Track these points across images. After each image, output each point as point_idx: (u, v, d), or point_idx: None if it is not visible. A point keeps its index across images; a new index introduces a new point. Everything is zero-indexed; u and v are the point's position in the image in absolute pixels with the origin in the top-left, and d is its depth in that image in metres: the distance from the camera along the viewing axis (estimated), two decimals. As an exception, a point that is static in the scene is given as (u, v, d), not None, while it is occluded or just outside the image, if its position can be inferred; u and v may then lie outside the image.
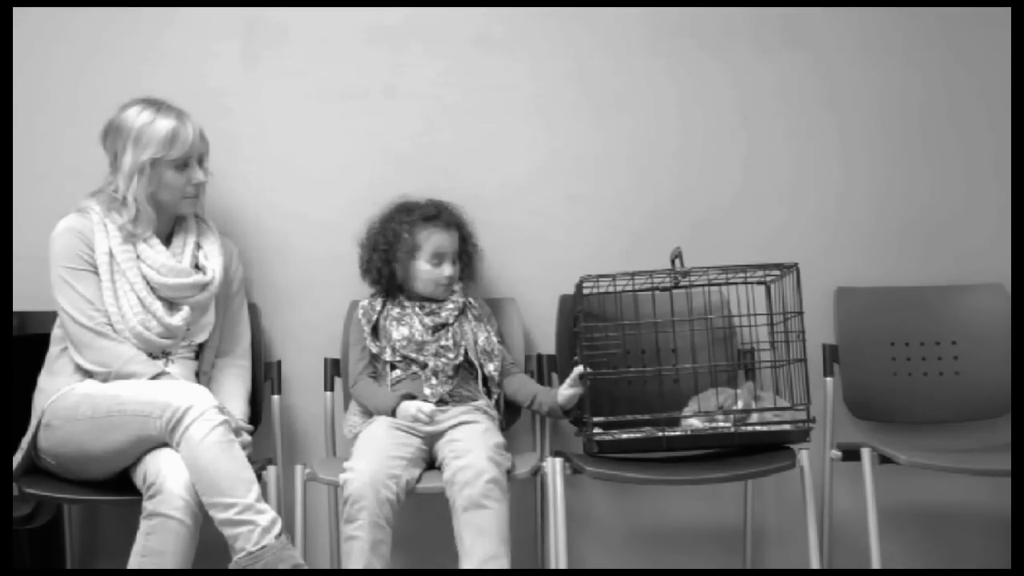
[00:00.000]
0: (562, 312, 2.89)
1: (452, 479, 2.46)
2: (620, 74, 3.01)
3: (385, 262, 2.78)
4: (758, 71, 3.03)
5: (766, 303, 2.72)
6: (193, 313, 2.62)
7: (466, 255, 2.83)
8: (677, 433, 2.61)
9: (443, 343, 2.73)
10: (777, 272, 2.67)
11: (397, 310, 2.78)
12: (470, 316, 2.80)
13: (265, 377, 2.85)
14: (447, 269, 2.77)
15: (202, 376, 2.67)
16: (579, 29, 3.01)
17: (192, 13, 2.94)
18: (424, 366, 2.71)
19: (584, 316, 2.68)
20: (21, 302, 2.71)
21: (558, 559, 2.57)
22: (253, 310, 2.86)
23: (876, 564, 2.64)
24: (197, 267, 2.66)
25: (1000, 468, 2.49)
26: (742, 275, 2.71)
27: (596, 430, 2.60)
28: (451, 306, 2.78)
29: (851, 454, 2.69)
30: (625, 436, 2.60)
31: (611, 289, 2.70)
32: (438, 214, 2.80)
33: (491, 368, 2.75)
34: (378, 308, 2.79)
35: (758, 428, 2.60)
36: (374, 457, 2.50)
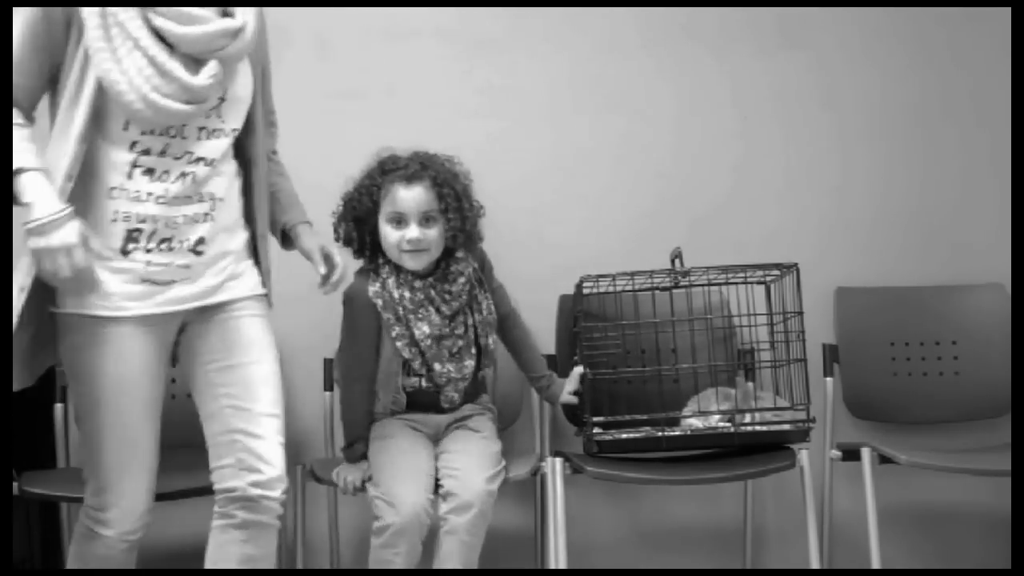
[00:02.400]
0: (562, 312, 2.89)
1: (445, 493, 2.40)
2: (618, 74, 3.02)
3: (356, 227, 2.50)
4: (756, 71, 3.03)
5: (766, 303, 2.72)
6: (223, 69, 2.04)
7: (454, 214, 2.46)
8: (677, 433, 2.61)
9: (458, 331, 2.55)
10: (777, 272, 2.67)
11: (408, 294, 2.49)
12: (474, 285, 2.58)
13: (265, 377, 2.84)
14: (411, 231, 2.43)
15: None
16: (578, 30, 3.01)
17: (192, 13, 2.95)
18: (448, 380, 2.54)
19: (584, 316, 2.68)
20: (21, 302, 2.70)
21: (558, 559, 2.57)
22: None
23: (876, 564, 2.64)
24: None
25: (1000, 468, 2.49)
26: (742, 275, 2.71)
27: (596, 430, 2.60)
28: (462, 279, 2.53)
29: (851, 454, 2.70)
30: (625, 436, 2.60)
31: (611, 289, 2.70)
32: (404, 166, 2.45)
33: (490, 341, 2.60)
34: (395, 297, 2.48)
35: (758, 428, 2.60)
36: (413, 485, 2.37)
